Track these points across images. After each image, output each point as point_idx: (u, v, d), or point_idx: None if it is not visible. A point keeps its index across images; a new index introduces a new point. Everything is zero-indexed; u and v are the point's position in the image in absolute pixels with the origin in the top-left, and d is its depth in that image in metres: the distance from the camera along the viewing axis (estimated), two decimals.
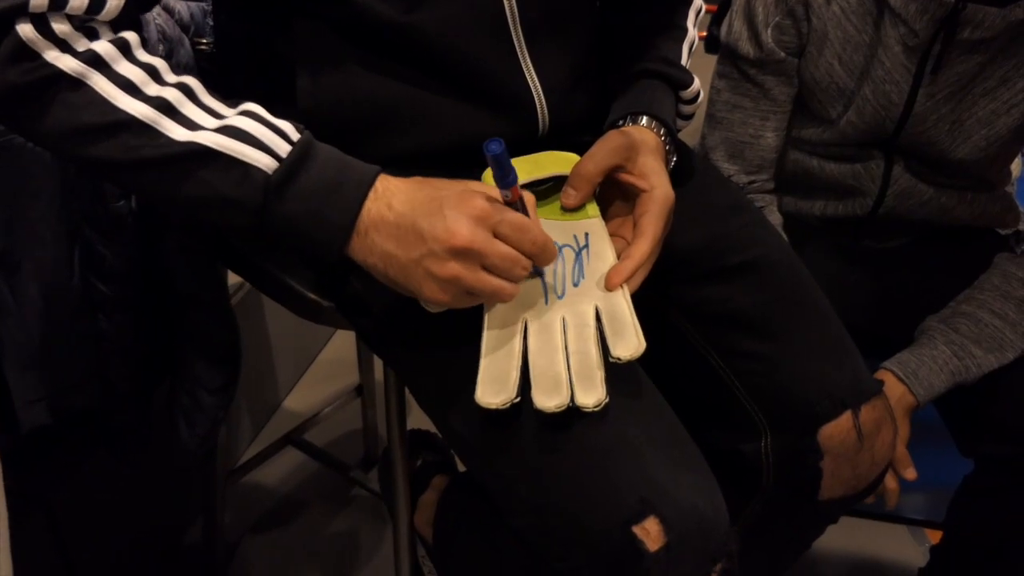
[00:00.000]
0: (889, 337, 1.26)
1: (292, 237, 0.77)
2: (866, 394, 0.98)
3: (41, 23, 0.72)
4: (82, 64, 0.73)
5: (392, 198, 0.76)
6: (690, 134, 1.20)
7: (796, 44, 1.19)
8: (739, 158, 1.26)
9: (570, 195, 0.89)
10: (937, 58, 1.13)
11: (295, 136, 0.76)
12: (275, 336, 1.92)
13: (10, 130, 0.91)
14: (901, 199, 1.26)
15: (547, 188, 0.92)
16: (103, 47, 0.74)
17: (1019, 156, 1.33)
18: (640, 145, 0.90)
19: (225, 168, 0.74)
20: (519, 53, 0.91)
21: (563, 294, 0.84)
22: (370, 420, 1.81)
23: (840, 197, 1.30)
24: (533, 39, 0.91)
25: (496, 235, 0.75)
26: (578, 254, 0.86)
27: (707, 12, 1.46)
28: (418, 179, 0.78)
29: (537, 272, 0.83)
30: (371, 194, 0.76)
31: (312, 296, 1.03)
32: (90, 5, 0.73)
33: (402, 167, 0.88)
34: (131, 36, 0.76)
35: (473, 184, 0.78)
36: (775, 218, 1.26)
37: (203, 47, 1.10)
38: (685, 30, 1.04)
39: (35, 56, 0.72)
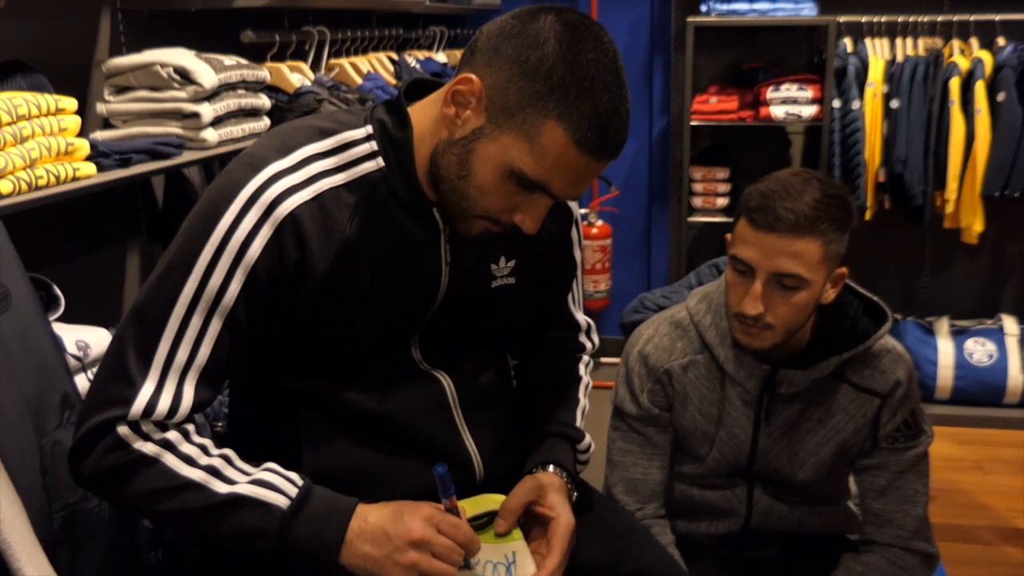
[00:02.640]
0: None
1: (300, 553, 1.08)
2: None
3: (134, 425, 1.08)
4: (158, 447, 1.09)
5: (368, 515, 1.10)
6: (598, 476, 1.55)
7: (666, 402, 1.58)
8: (634, 492, 1.60)
9: (500, 524, 1.22)
10: (767, 408, 1.52)
11: (300, 481, 1.11)
12: None
13: (98, 498, 1.22)
14: (764, 516, 1.61)
15: (484, 522, 1.24)
16: (172, 434, 1.10)
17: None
18: (548, 486, 1.25)
19: (253, 508, 1.08)
20: (460, 428, 1.27)
21: None
22: None
23: (718, 518, 1.63)
24: (470, 417, 1.28)
25: (439, 531, 1.09)
26: (508, 568, 1.17)
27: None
28: (384, 502, 1.12)
29: (466, 564, 1.13)
30: (353, 517, 1.09)
31: None
32: (167, 414, 1.10)
33: None
34: (190, 426, 1.13)
35: (422, 502, 1.12)
36: (667, 538, 1.58)
37: (218, 430, 1.44)
38: (578, 400, 1.42)
39: (126, 446, 1.08)
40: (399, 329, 1.23)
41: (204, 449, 1.11)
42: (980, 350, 3.51)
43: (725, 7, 3.53)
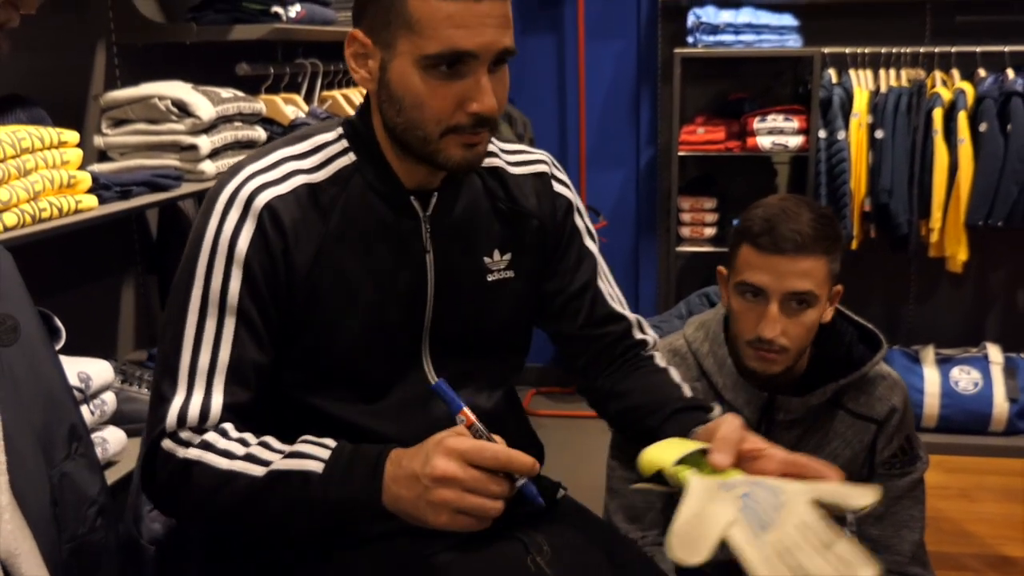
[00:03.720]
0: None
1: (346, 510, 1.07)
2: None
3: (174, 436, 1.13)
4: (199, 450, 1.12)
5: (401, 459, 1.06)
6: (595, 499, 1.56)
7: None
8: (636, 520, 1.61)
9: (719, 457, 1.09)
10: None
11: (332, 444, 1.11)
12: None
13: (160, 512, 1.27)
14: None
15: (687, 464, 1.10)
16: (210, 436, 1.14)
17: None
18: (743, 427, 1.16)
19: (291, 480, 1.08)
20: None
21: (767, 526, 0.99)
22: None
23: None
24: None
25: (469, 463, 1.01)
26: (757, 489, 1.04)
27: None
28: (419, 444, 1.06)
29: (527, 491, 1.04)
30: (388, 462, 1.06)
31: None
32: (199, 419, 1.14)
33: (380, 540, 1.21)
34: (228, 425, 1.15)
35: (448, 432, 1.05)
36: (668, 565, 1.59)
37: None
38: (680, 385, 1.34)
39: (172, 457, 1.13)
40: (398, 330, 1.25)
41: (243, 442, 1.13)
42: (965, 378, 3.54)
43: (712, 39, 3.58)
